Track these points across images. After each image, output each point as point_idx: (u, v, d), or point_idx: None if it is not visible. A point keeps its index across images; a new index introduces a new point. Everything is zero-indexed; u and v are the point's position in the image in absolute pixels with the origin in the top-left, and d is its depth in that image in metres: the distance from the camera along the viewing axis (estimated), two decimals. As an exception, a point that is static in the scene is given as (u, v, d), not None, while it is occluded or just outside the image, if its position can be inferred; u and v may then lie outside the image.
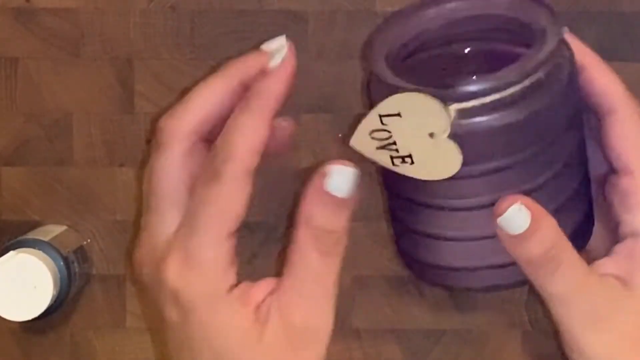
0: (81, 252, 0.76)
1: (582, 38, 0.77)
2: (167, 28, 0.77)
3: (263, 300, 0.53)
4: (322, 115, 0.77)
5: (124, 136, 0.78)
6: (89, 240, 0.78)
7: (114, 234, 0.78)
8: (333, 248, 0.53)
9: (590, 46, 0.77)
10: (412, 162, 0.53)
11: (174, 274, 0.52)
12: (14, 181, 0.78)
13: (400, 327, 0.78)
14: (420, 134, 0.52)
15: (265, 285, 0.54)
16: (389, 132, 0.52)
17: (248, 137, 0.53)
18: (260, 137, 0.53)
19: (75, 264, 0.74)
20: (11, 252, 0.70)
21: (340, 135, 0.77)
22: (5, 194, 0.78)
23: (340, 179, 0.53)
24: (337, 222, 0.53)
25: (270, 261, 0.78)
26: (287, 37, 0.77)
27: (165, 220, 0.54)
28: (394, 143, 0.53)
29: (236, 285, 0.54)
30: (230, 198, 0.53)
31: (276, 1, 0.77)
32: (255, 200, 0.77)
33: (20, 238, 0.73)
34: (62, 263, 0.72)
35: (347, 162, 0.53)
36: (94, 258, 0.78)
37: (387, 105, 0.52)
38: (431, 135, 0.52)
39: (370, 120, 0.53)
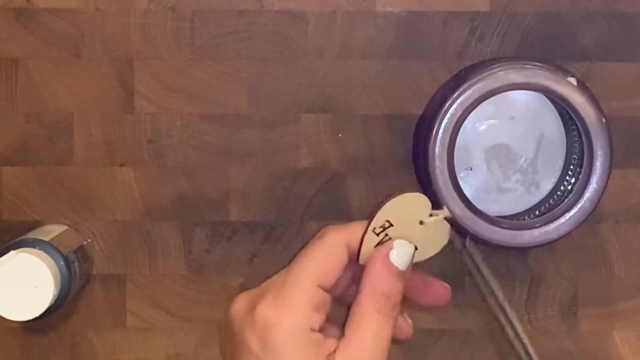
0: (81, 252, 0.76)
1: (582, 38, 0.77)
2: (167, 28, 0.77)
3: (334, 351, 0.60)
4: (322, 115, 0.77)
5: (124, 136, 0.78)
6: (89, 240, 0.78)
7: (114, 234, 0.78)
8: (391, 311, 0.61)
9: (590, 46, 0.77)
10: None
11: (267, 308, 0.59)
12: (14, 181, 0.78)
13: (400, 326, 0.78)
14: (413, 225, 0.63)
15: (337, 339, 0.61)
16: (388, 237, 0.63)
17: (357, 222, 0.63)
18: (364, 225, 0.62)
19: (76, 264, 0.74)
20: (12, 252, 0.70)
21: (340, 135, 0.78)
22: (6, 194, 0.78)
23: (402, 253, 0.62)
24: (396, 290, 0.62)
25: (270, 261, 0.78)
26: (287, 37, 0.77)
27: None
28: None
29: (318, 331, 0.60)
30: (328, 255, 0.61)
31: (276, 1, 0.77)
32: (256, 200, 0.78)
33: (20, 238, 0.73)
34: (62, 263, 0.72)
35: (407, 239, 0.63)
36: (94, 258, 0.78)
37: (378, 220, 0.62)
38: (421, 222, 0.63)
39: (369, 238, 0.63)
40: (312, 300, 0.60)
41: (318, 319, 0.60)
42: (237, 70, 0.77)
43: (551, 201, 0.74)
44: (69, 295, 0.73)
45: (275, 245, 0.78)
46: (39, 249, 0.71)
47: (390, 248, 0.62)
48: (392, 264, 0.62)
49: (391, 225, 0.63)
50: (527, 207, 0.76)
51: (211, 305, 0.78)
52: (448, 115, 0.69)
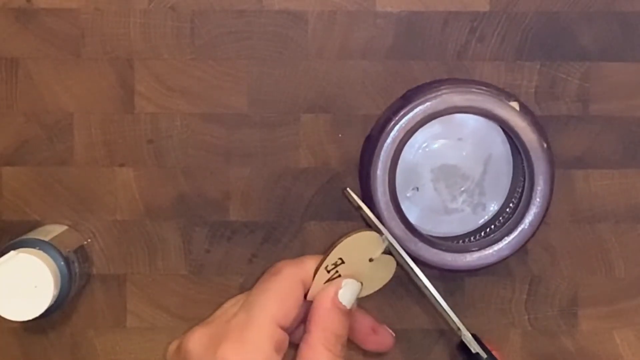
0: (81, 252, 0.76)
1: (582, 38, 0.77)
2: (167, 28, 0.77)
3: None
4: (322, 115, 0.77)
5: (124, 136, 0.78)
6: (89, 240, 0.78)
7: (114, 234, 0.78)
8: (341, 350, 0.62)
9: (590, 46, 0.77)
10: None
11: (231, 351, 0.59)
12: (14, 181, 0.78)
13: (400, 327, 0.78)
14: (363, 262, 0.65)
15: None
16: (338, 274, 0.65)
17: (311, 257, 0.64)
18: (312, 270, 0.63)
19: (76, 264, 0.74)
20: (12, 252, 0.70)
21: (340, 135, 0.78)
22: (6, 194, 0.78)
23: (350, 291, 0.63)
24: (345, 328, 0.62)
25: (270, 261, 0.78)
26: (287, 37, 0.77)
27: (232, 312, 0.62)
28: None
29: None
30: (285, 293, 0.61)
31: (276, 1, 0.77)
32: (256, 200, 0.78)
33: (20, 238, 0.73)
34: (62, 263, 0.72)
35: (355, 276, 0.64)
36: (94, 258, 0.78)
37: (331, 258, 0.64)
38: (370, 259, 0.64)
39: (320, 275, 0.64)
40: (274, 343, 0.60)
41: (278, 358, 0.60)
42: (237, 70, 0.77)
43: (497, 223, 0.74)
44: (69, 295, 0.73)
45: (275, 245, 0.78)
46: (39, 249, 0.71)
47: (339, 287, 0.63)
48: (340, 303, 0.62)
49: (342, 262, 0.64)
50: (473, 228, 0.76)
51: (211, 305, 0.78)
52: (390, 137, 0.69)
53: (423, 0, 0.77)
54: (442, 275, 0.78)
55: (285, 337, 0.61)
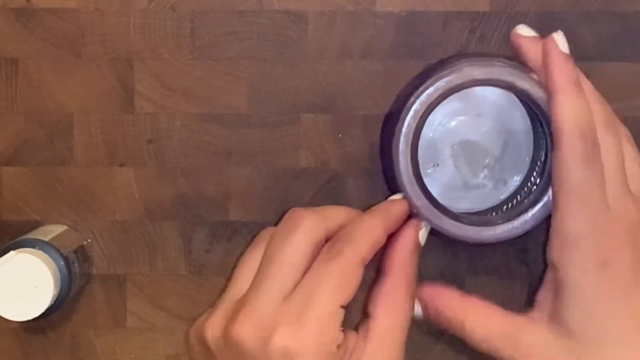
0: (81, 252, 0.76)
1: (582, 38, 0.77)
2: (167, 28, 0.77)
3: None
4: (322, 115, 0.77)
5: (124, 136, 0.78)
6: (89, 240, 0.78)
7: (114, 234, 0.78)
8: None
9: (590, 46, 0.77)
10: None
11: (291, 338, 0.57)
12: (14, 181, 0.78)
13: (400, 326, 0.78)
14: None
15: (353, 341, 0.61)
16: None
17: (368, 232, 0.61)
18: (377, 236, 0.62)
19: (76, 264, 0.74)
20: (12, 252, 0.70)
21: (340, 135, 0.78)
22: (6, 194, 0.78)
23: (426, 233, 0.64)
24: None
25: (270, 261, 0.78)
26: (287, 37, 0.77)
27: (280, 291, 0.59)
28: None
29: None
30: (348, 275, 0.59)
31: (276, 1, 0.77)
32: (256, 200, 0.78)
33: (20, 238, 0.73)
34: (62, 263, 0.72)
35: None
36: (94, 258, 0.78)
37: None
38: None
39: None
40: (337, 325, 0.59)
41: (341, 337, 0.59)
42: (237, 70, 0.77)
43: (518, 197, 0.74)
44: (69, 295, 0.73)
45: (275, 245, 0.78)
46: (39, 249, 0.71)
47: (420, 228, 0.63)
48: (420, 246, 0.62)
49: None
50: (494, 204, 0.76)
51: (211, 305, 0.78)
52: (412, 112, 0.69)
53: (423, 0, 0.77)
54: (442, 274, 0.78)
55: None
